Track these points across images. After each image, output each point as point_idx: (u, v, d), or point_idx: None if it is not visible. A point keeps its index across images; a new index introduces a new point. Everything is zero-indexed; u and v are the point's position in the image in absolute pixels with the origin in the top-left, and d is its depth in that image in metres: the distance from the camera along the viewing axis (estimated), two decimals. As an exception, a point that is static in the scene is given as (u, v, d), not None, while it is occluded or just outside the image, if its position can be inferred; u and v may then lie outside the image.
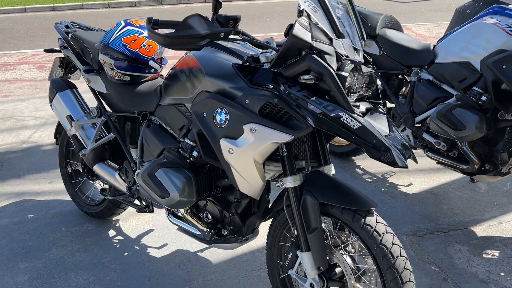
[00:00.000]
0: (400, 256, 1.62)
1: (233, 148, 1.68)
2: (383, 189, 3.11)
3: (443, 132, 2.56)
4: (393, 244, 1.62)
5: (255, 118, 1.62)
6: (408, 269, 1.62)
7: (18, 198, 3.07)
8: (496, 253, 2.50)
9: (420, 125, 2.83)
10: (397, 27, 3.14)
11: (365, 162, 3.47)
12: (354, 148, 3.40)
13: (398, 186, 3.15)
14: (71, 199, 2.94)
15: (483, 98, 2.45)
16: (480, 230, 2.69)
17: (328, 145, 1.97)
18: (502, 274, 2.34)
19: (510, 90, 2.35)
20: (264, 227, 2.06)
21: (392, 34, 3.01)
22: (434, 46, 2.79)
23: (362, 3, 10.81)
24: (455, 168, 2.73)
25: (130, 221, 2.82)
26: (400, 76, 3.03)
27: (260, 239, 2.51)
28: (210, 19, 1.74)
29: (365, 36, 1.74)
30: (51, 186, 3.21)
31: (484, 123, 2.41)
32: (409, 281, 1.61)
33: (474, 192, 3.07)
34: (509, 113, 2.44)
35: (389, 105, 3.13)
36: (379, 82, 3.03)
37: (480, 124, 2.40)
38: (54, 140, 2.90)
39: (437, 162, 2.82)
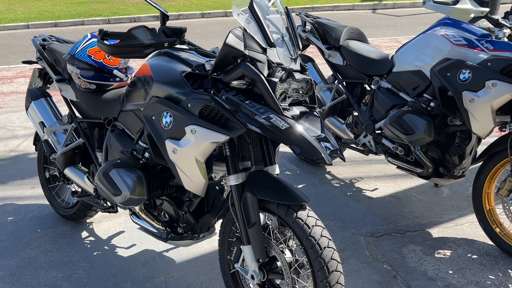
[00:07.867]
0: (328, 247, 1.74)
1: (177, 148, 1.82)
2: (348, 193, 3.22)
3: (396, 137, 2.69)
4: (321, 236, 1.74)
5: (195, 120, 1.77)
6: (335, 260, 1.74)
7: (0, 202, 3.22)
8: (448, 252, 2.60)
9: (380, 131, 2.95)
10: (361, 38, 3.28)
11: (335, 169, 3.59)
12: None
13: (363, 191, 3.26)
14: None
15: (432, 104, 2.58)
16: (436, 232, 2.79)
17: (278, 148, 2.10)
18: (450, 272, 2.44)
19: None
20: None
21: (354, 45, 3.15)
22: (392, 56, 2.93)
23: (356, 17, 11.05)
24: (412, 172, 2.84)
25: (103, 223, 2.95)
26: (363, 85, 3.16)
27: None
28: (157, 31, 1.91)
29: (300, 46, 1.88)
30: (32, 191, 3.36)
31: (432, 128, 2.53)
32: (335, 271, 1.73)
33: (436, 196, 3.18)
34: (457, 118, 2.56)
35: (355, 113, 3.26)
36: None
37: (428, 128, 2.52)
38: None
39: (396, 167, 2.94)
